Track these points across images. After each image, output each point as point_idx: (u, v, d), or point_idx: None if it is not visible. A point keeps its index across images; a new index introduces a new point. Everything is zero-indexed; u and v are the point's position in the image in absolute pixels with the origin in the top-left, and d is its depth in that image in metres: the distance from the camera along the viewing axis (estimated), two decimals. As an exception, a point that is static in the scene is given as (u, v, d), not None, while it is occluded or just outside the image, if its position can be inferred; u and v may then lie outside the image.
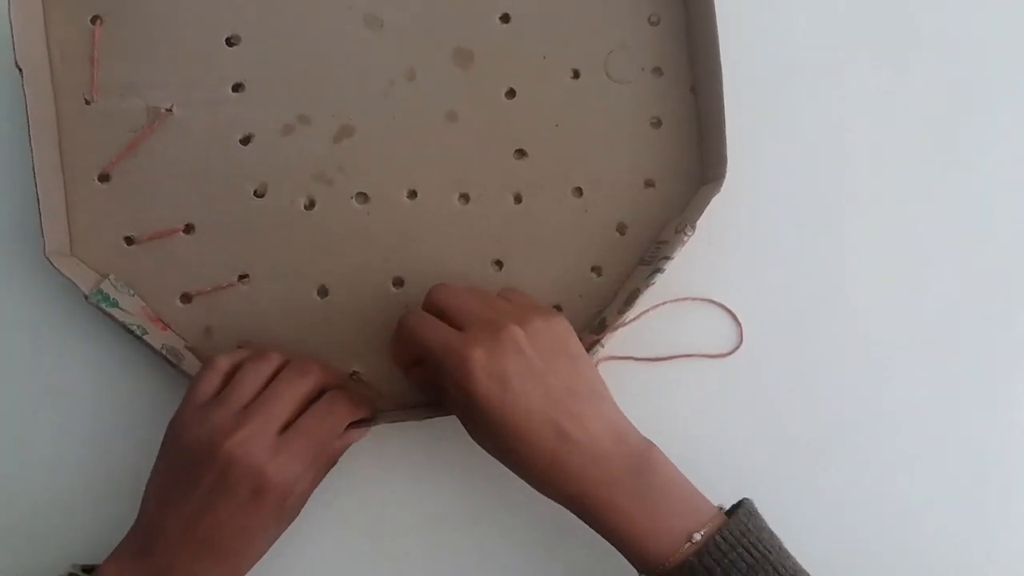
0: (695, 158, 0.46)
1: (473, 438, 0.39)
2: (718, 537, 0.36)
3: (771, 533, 0.38)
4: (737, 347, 0.47)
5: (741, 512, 0.37)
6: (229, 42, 0.45)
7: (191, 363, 0.42)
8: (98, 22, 0.44)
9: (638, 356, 0.46)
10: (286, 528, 0.41)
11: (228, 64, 0.44)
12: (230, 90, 0.45)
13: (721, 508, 0.38)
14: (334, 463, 0.42)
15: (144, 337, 0.41)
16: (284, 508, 0.39)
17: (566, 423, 0.37)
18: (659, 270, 0.43)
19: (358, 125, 0.45)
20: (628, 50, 0.46)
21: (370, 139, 0.45)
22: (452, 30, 0.45)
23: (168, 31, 0.44)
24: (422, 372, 0.42)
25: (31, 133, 0.41)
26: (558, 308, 0.46)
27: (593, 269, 0.46)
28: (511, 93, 0.46)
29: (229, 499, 0.37)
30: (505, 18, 0.46)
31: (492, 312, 0.39)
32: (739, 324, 0.47)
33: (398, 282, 0.45)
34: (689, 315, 0.47)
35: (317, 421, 0.39)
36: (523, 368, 0.37)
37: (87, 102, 0.44)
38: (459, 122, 0.46)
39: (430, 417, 0.43)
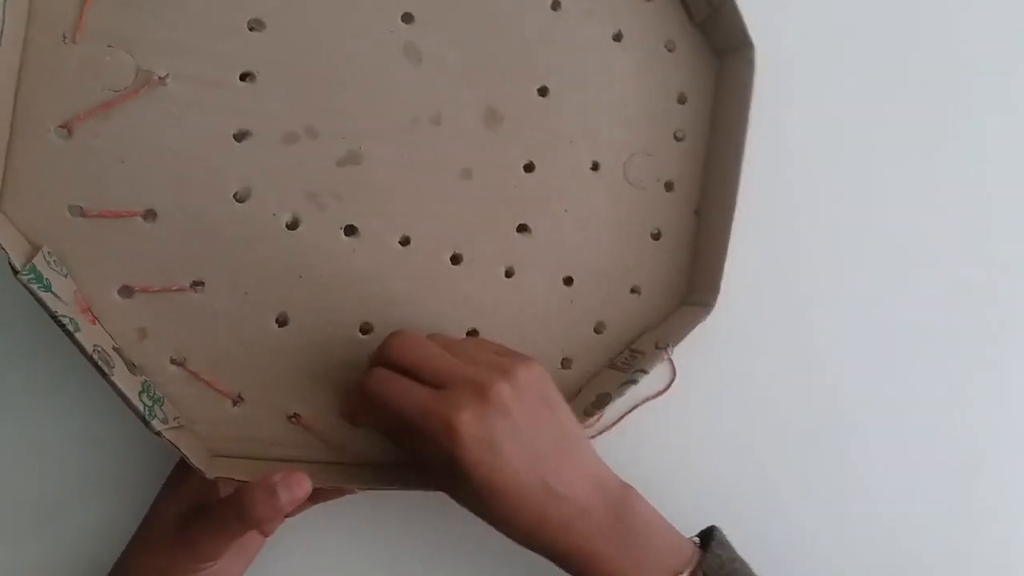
0: (684, 278, 0.47)
1: (452, 496, 0.37)
2: (700, 574, 0.37)
3: (742, 561, 0.39)
4: (672, 380, 0.48)
5: (714, 544, 0.39)
6: (250, 25, 0.40)
7: (121, 373, 0.36)
8: (103, -45, 0.38)
9: (592, 435, 0.46)
10: None
11: (243, 48, 0.40)
12: (237, 77, 0.40)
13: (695, 542, 0.39)
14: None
15: (76, 334, 0.34)
16: None
17: (552, 480, 0.36)
18: (633, 381, 0.43)
19: (367, 154, 0.42)
20: (650, 157, 0.46)
21: (377, 172, 0.42)
22: (490, 87, 0.43)
23: (184, -8, 0.39)
24: (385, 430, 0.39)
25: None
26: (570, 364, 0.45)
27: (563, 361, 0.45)
28: (530, 167, 0.44)
29: None
30: (543, 91, 0.44)
31: (470, 367, 0.37)
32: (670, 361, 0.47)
33: (366, 328, 0.42)
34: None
35: None
36: (511, 429, 0.35)
37: (64, 39, 0.37)
38: (472, 180, 0.43)
39: (404, 489, 0.40)
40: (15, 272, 0.34)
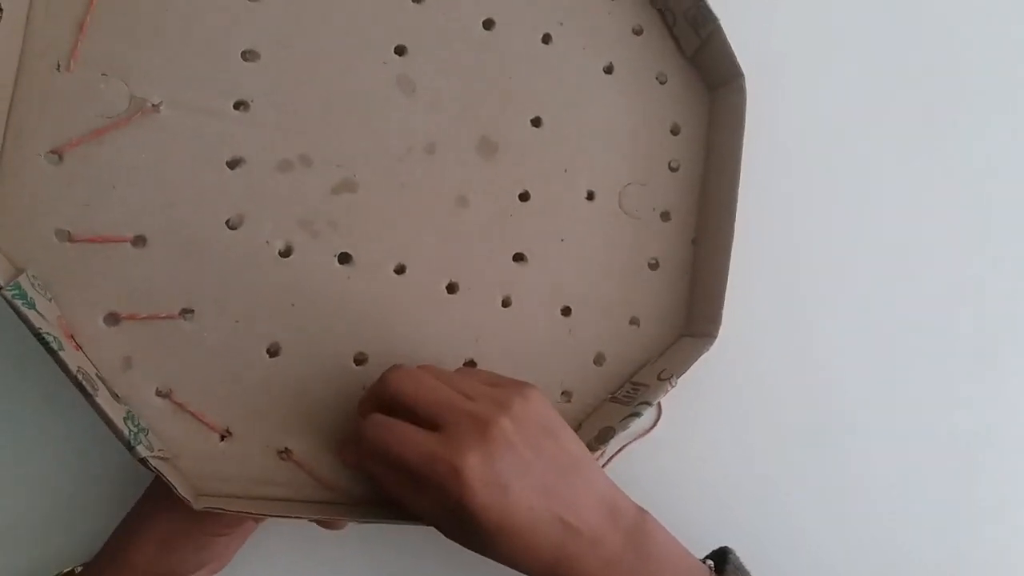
0: (682, 308, 0.46)
1: (457, 540, 0.35)
2: None
3: None
4: (658, 419, 0.46)
5: (728, 569, 0.37)
6: (245, 55, 0.40)
7: (105, 397, 0.34)
8: (101, -11, 0.38)
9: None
10: None
11: (237, 78, 0.40)
12: (231, 106, 0.40)
13: (710, 567, 0.37)
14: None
15: (60, 353, 0.33)
16: None
17: (565, 513, 0.34)
18: (637, 414, 0.42)
19: (362, 182, 0.41)
20: (645, 187, 0.46)
21: (371, 200, 0.41)
22: (483, 118, 0.43)
23: (181, 23, 0.39)
24: (386, 479, 0.36)
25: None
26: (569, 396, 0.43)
27: (564, 393, 0.44)
28: (525, 196, 0.44)
29: None
30: (536, 121, 0.44)
31: (467, 401, 0.35)
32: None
33: (360, 359, 0.41)
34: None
35: None
36: (518, 465, 0.34)
37: (58, 67, 0.37)
38: (468, 209, 0.43)
39: (399, 523, 0.38)
40: (-1, 290, 0.32)
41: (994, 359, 0.53)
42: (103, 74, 0.38)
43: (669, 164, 0.47)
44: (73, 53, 0.37)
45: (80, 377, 0.33)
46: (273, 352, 0.39)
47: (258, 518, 0.38)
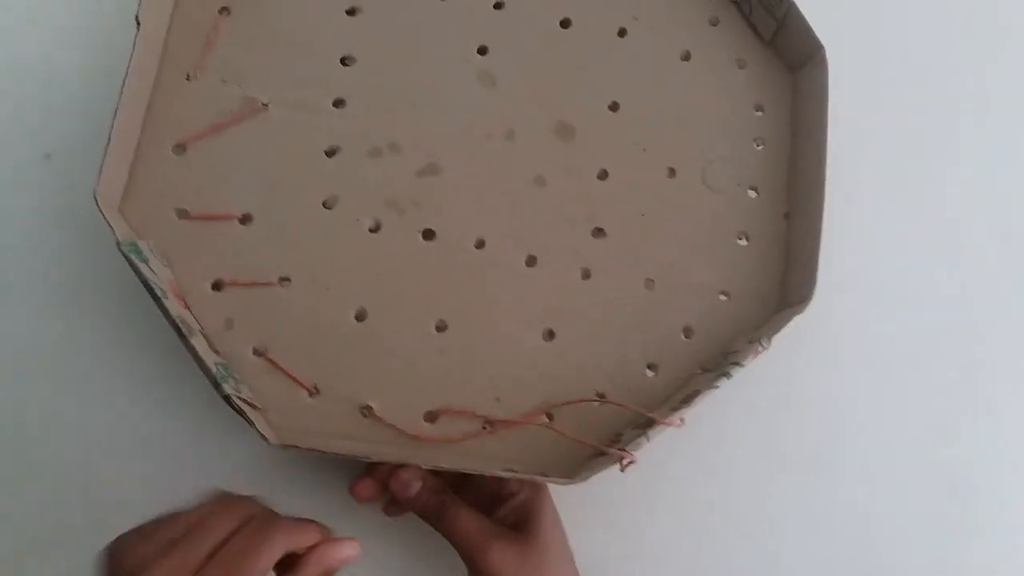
0: (776, 281, 0.44)
1: None
2: None
3: None
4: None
5: None
6: (343, 61, 0.45)
7: (200, 343, 0.38)
8: (225, 12, 0.45)
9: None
10: None
11: (336, 79, 0.45)
12: (331, 103, 0.44)
13: None
14: None
15: (163, 300, 0.37)
16: None
17: None
18: (726, 374, 0.40)
19: (445, 166, 0.44)
20: (728, 163, 0.46)
21: (453, 181, 0.44)
22: (560, 105, 0.46)
23: (288, 35, 0.45)
24: None
25: (125, 83, 0.40)
26: (601, 396, 0.42)
27: (650, 366, 0.43)
28: (603, 174, 0.45)
29: None
30: (614, 106, 0.46)
31: None
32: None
33: (441, 326, 0.42)
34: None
35: (242, 549, 0.31)
36: None
37: (188, 77, 0.44)
38: (546, 188, 0.44)
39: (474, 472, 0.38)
40: (118, 245, 0.37)
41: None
42: (223, 80, 0.44)
43: (754, 139, 0.46)
44: (200, 65, 0.44)
45: (178, 322, 0.37)
46: (360, 317, 0.42)
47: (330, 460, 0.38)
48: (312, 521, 0.34)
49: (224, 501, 0.33)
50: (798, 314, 0.41)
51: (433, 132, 0.45)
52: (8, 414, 0.42)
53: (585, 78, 0.46)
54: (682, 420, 0.39)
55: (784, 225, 0.45)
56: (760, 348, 0.40)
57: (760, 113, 0.47)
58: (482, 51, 0.46)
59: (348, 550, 0.34)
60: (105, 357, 0.43)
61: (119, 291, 0.43)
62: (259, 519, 0.32)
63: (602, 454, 0.39)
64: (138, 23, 0.41)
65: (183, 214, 0.42)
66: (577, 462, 0.40)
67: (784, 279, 0.44)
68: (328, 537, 0.34)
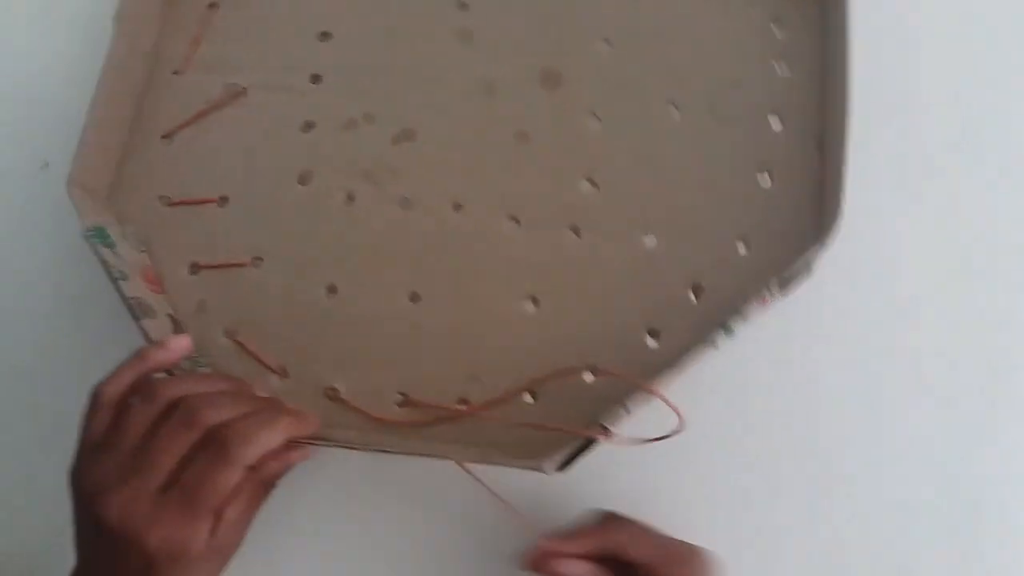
0: (806, 222, 0.37)
1: None
2: None
3: None
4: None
5: None
6: (320, 36, 0.44)
7: (151, 326, 0.37)
8: (215, 9, 0.45)
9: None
10: (227, 562, 0.33)
11: (314, 57, 0.43)
12: (308, 80, 0.43)
13: None
14: (268, 491, 0.34)
15: (119, 282, 0.37)
16: (192, 566, 0.30)
17: None
18: (727, 329, 0.33)
19: (420, 130, 0.41)
20: (742, 89, 0.39)
21: (429, 146, 0.41)
22: (544, 50, 0.41)
23: (268, 21, 0.44)
24: None
25: (99, 80, 0.41)
26: (593, 370, 0.36)
27: (651, 333, 0.37)
28: (595, 119, 0.40)
29: (124, 572, 0.30)
30: (605, 43, 0.41)
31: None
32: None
33: (414, 297, 0.39)
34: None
35: (203, 474, 0.30)
36: None
37: (175, 73, 0.44)
38: (529, 143, 0.40)
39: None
40: (83, 234, 0.38)
41: None
42: (208, 71, 0.44)
43: (772, 57, 0.39)
44: (188, 59, 0.44)
45: (132, 303, 0.36)
46: (332, 291, 0.39)
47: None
48: (269, 419, 0.32)
49: (184, 410, 0.31)
50: (818, 255, 0.33)
51: (408, 97, 0.42)
52: (14, 417, 0.43)
53: (572, 17, 0.41)
54: (661, 388, 0.33)
55: (816, 156, 0.37)
56: (767, 296, 0.33)
57: (778, 27, 0.39)
58: (461, 5, 0.43)
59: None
60: (109, 359, 0.43)
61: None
62: (218, 441, 0.30)
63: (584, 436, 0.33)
64: (116, 23, 0.42)
65: (166, 200, 0.42)
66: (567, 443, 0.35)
67: (817, 218, 0.36)
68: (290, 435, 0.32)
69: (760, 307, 0.33)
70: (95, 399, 0.32)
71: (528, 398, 0.37)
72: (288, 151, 0.42)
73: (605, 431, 0.32)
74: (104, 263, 0.37)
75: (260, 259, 0.40)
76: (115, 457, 0.30)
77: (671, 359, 0.35)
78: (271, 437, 0.32)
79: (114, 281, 0.37)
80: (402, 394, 0.37)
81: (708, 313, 0.36)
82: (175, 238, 0.41)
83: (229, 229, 0.41)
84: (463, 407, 0.37)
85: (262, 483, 0.33)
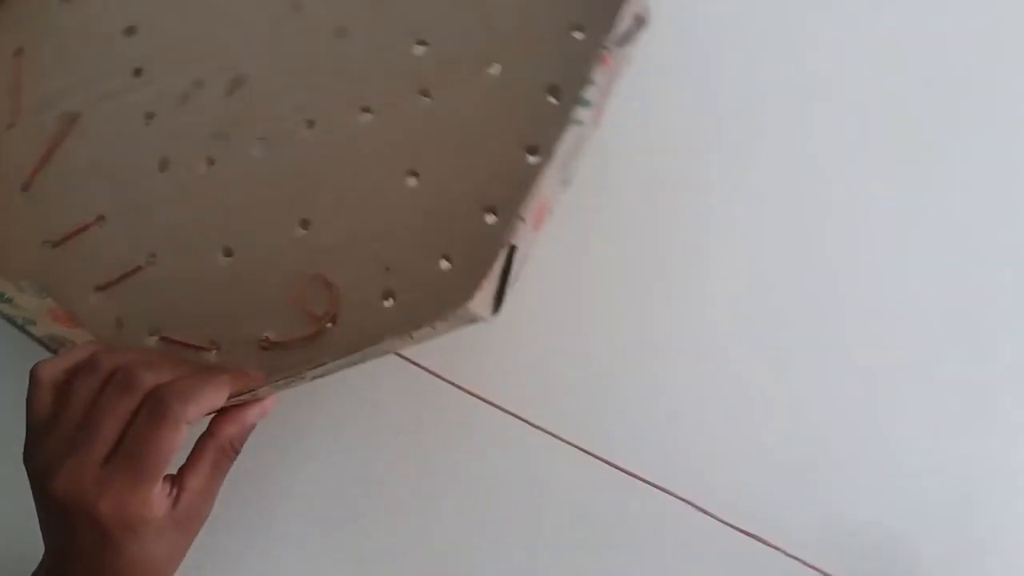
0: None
1: None
2: None
3: None
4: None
5: None
6: (127, 33, 0.43)
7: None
8: (21, 54, 0.45)
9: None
10: (194, 533, 0.33)
11: (128, 52, 0.43)
12: (132, 76, 0.43)
13: None
14: (231, 458, 0.34)
15: (27, 327, 0.37)
16: (152, 536, 0.30)
17: None
18: (583, 102, 0.32)
19: (249, 72, 0.41)
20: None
21: (261, 82, 0.40)
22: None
23: (73, 40, 0.44)
24: None
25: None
26: (493, 211, 0.35)
27: (529, 149, 0.36)
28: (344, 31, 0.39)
29: (82, 553, 0.30)
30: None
31: None
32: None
33: (304, 224, 0.38)
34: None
35: (145, 435, 0.30)
36: None
37: (11, 126, 0.44)
38: (349, 35, 0.39)
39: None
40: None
41: None
42: (40, 112, 0.44)
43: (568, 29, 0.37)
44: (17, 108, 0.44)
45: (46, 340, 0.37)
46: (228, 254, 0.39)
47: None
48: (208, 374, 0.32)
49: (124, 374, 0.31)
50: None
51: (225, 46, 0.41)
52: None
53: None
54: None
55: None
56: (608, 56, 0.32)
57: None
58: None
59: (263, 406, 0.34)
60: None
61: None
62: (157, 400, 0.30)
63: None
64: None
65: (49, 244, 0.42)
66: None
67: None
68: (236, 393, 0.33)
69: (605, 69, 0.32)
70: (34, 379, 0.32)
71: (445, 263, 0.36)
72: (139, 147, 0.42)
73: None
74: (6, 318, 0.37)
75: (153, 256, 0.40)
76: (60, 434, 0.30)
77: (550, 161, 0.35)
78: (212, 393, 0.32)
79: (21, 328, 0.37)
80: (331, 314, 0.37)
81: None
82: (73, 272, 0.41)
83: (115, 241, 0.41)
84: (388, 302, 0.36)
85: (223, 450, 0.33)
